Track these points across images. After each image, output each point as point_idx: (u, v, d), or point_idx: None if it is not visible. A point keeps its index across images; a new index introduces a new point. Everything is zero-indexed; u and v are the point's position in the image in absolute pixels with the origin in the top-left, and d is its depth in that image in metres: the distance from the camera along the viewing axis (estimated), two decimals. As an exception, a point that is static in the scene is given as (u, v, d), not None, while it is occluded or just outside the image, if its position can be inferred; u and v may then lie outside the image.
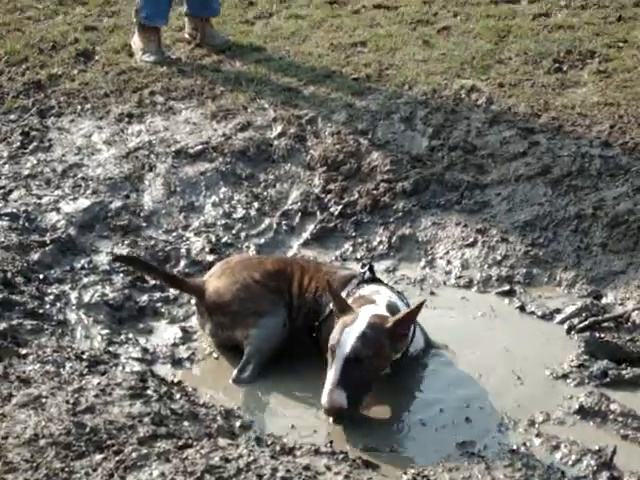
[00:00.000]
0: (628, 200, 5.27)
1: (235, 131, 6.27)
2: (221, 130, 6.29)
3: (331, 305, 4.31)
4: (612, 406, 4.03)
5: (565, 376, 4.32)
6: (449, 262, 5.33)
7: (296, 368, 4.41)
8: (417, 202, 5.68)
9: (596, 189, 5.45)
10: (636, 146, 5.74)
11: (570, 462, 3.71)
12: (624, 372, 4.29)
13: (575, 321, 4.71)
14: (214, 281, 4.60)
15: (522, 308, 4.91)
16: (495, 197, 5.62)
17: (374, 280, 4.51)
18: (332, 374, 3.96)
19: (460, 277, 5.20)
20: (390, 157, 5.90)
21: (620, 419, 3.96)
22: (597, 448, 3.74)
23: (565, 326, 4.71)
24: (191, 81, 6.85)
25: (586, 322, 4.66)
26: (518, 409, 4.08)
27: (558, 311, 4.83)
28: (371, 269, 4.55)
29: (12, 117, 6.68)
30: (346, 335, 4.01)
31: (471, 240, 5.41)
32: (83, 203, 5.72)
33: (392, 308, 4.25)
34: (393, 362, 4.23)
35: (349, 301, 4.29)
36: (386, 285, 4.54)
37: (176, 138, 6.28)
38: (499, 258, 5.26)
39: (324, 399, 3.93)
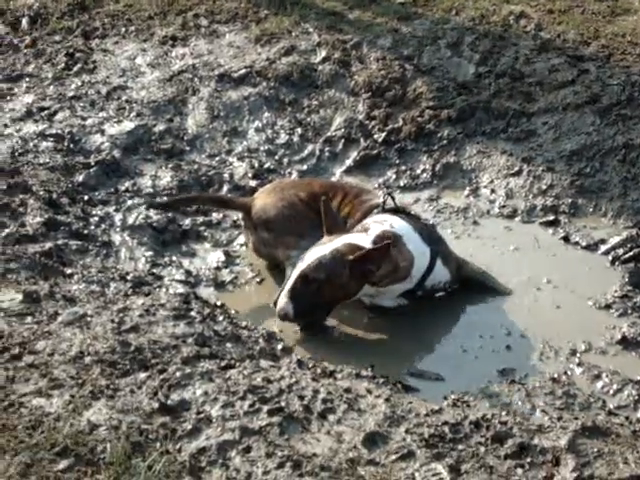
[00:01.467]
0: (677, 130, 5.19)
1: (279, 55, 6.23)
2: (265, 54, 6.25)
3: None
4: (657, 337, 4.02)
5: (608, 306, 4.29)
6: (493, 191, 5.29)
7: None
8: (462, 130, 5.63)
9: (646, 118, 5.37)
10: (688, 75, 5.63)
11: (611, 391, 3.70)
12: (669, 303, 4.27)
13: (620, 252, 4.67)
14: (264, 197, 4.69)
15: (566, 238, 4.87)
16: (542, 126, 5.55)
17: (397, 210, 4.47)
18: (287, 283, 4.11)
19: (504, 206, 5.16)
20: (436, 84, 5.84)
21: (663, 348, 3.95)
22: (639, 378, 3.73)
23: (609, 257, 4.67)
24: (235, 4, 6.80)
25: (631, 253, 4.62)
26: (560, 338, 4.07)
27: (603, 242, 4.79)
28: (392, 198, 4.51)
29: (57, 38, 6.68)
30: (310, 254, 4.11)
31: (516, 169, 5.35)
32: (127, 126, 5.74)
33: (386, 240, 4.16)
34: (408, 294, 4.31)
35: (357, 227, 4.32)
36: (408, 215, 4.46)
37: (220, 62, 6.25)
38: (544, 188, 5.21)
39: (277, 304, 4.11)
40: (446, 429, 3.07)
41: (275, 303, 4.35)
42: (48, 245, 4.43)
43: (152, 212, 4.98)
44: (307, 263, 4.09)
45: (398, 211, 4.47)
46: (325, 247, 4.13)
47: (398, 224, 4.32)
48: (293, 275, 4.11)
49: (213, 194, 5.11)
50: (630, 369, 3.83)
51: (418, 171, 5.50)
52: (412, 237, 4.30)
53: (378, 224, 4.30)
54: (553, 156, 5.34)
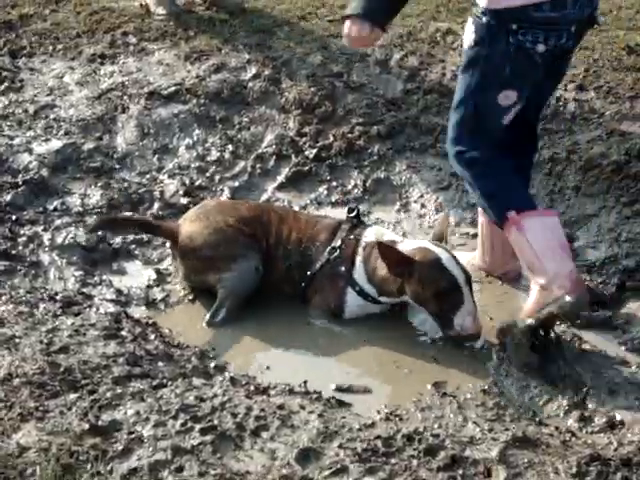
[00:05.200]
0: (601, 144, 5.29)
1: (209, 73, 6.21)
2: (195, 71, 6.23)
3: (324, 257, 4.38)
4: (584, 346, 4.08)
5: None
6: (423, 205, 5.34)
7: (270, 312, 4.42)
8: (392, 146, 5.67)
9: (570, 132, 5.46)
10: (610, 90, 5.75)
11: (542, 402, 3.75)
12: (595, 314, 4.33)
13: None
14: (188, 225, 4.56)
15: (495, 251, 4.92)
16: (469, 141, 5.61)
17: (361, 223, 4.54)
18: (470, 304, 4.12)
19: (435, 220, 5.20)
20: (365, 100, 5.87)
21: (591, 359, 4.01)
22: (569, 388, 3.78)
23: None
24: (164, 22, 6.77)
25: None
26: (489, 350, 4.12)
27: (531, 254, 4.84)
28: (357, 213, 4.54)
29: (-18, 57, 6.59)
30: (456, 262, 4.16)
31: (445, 184, 5.41)
32: (55, 144, 5.68)
33: None
34: None
35: (360, 247, 4.34)
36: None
37: (149, 79, 6.21)
38: (472, 201, 5.26)
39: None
40: (379, 443, 3.09)
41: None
42: (-25, 266, 4.37)
43: (81, 231, 4.93)
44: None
45: (362, 224, 4.53)
46: (450, 255, 4.19)
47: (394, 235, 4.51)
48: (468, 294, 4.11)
49: (141, 217, 5.01)
50: (558, 380, 3.89)
51: (349, 187, 5.53)
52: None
53: (398, 237, 4.45)
54: (481, 170, 5.40)
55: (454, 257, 4.18)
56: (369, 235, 4.38)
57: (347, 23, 4.17)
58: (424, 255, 4.15)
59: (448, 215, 4.66)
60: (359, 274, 4.35)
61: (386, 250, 4.16)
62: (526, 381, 3.85)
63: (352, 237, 4.41)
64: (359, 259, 4.35)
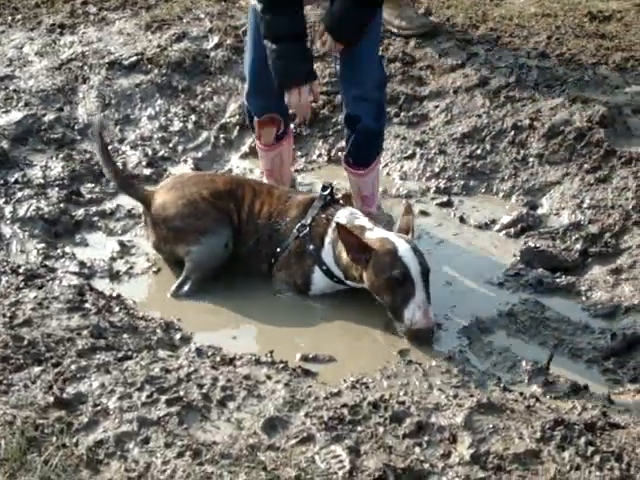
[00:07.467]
0: (564, 111, 5.30)
1: (170, 42, 6.16)
2: (156, 41, 6.17)
3: (293, 233, 4.32)
4: (547, 313, 4.12)
5: (501, 284, 4.39)
6: (388, 174, 5.34)
7: (235, 283, 4.40)
8: (356, 114, 5.64)
9: (533, 100, 5.47)
10: (572, 57, 5.78)
11: (505, 368, 3.78)
12: (558, 280, 4.37)
13: (511, 231, 4.77)
14: (163, 194, 4.50)
15: (460, 219, 4.94)
16: (433, 109, 5.61)
17: (334, 201, 4.45)
18: (422, 295, 3.97)
19: (399, 189, 5.20)
20: (329, 69, 5.84)
21: (554, 325, 4.05)
22: (532, 354, 3.81)
23: (501, 236, 4.77)
24: (124, -10, 6.70)
25: (522, 232, 4.71)
26: (455, 317, 4.14)
27: (494, 221, 4.88)
28: (331, 190, 4.45)
29: (-60, 28, 6.49)
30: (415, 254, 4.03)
31: (410, 152, 5.41)
32: (15, 116, 5.62)
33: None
34: None
35: (330, 228, 4.26)
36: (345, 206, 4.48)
37: (110, 49, 6.15)
38: (437, 170, 5.28)
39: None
40: (345, 411, 3.10)
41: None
42: None
43: (43, 203, 4.87)
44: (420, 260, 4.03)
45: (335, 202, 4.44)
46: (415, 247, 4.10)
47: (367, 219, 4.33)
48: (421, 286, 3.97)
49: (123, 171, 4.91)
50: (523, 345, 3.93)
51: (314, 156, 5.52)
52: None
53: (368, 223, 4.25)
54: (445, 139, 5.41)
55: (416, 250, 4.07)
56: (341, 217, 4.30)
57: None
58: (382, 244, 4.08)
59: (411, 205, 4.55)
60: (327, 254, 4.29)
61: (345, 234, 4.10)
62: (490, 347, 3.89)
63: (324, 216, 4.34)
64: (328, 240, 4.28)
